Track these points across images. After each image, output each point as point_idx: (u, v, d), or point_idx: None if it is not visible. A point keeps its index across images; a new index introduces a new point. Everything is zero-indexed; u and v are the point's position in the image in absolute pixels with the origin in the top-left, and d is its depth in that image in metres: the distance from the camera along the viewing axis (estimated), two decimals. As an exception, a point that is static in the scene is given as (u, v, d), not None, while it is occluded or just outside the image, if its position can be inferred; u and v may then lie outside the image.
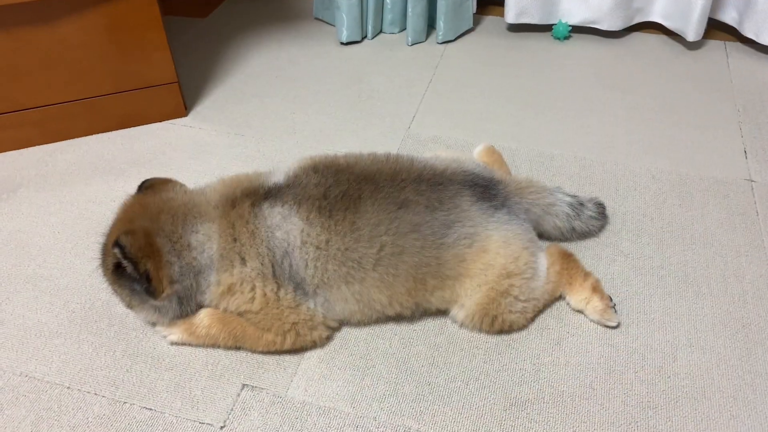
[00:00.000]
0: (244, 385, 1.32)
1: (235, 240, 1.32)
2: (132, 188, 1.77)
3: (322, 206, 1.32)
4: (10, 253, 1.62)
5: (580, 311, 1.43)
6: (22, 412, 1.27)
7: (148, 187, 1.42)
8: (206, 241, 1.32)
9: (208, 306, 1.37)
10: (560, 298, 1.46)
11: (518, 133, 2.00)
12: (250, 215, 1.32)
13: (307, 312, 1.34)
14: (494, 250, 1.35)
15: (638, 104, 2.13)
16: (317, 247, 1.31)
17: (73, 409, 1.28)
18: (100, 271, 1.38)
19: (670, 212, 1.70)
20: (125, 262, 1.27)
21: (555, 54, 2.43)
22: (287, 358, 1.37)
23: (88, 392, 1.31)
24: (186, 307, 1.35)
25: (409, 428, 1.24)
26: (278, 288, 1.32)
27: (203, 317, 1.36)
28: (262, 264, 1.31)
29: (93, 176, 1.86)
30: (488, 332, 1.39)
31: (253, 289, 1.32)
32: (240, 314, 1.35)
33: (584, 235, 1.60)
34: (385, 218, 1.33)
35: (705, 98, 2.16)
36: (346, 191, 1.35)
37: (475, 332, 1.40)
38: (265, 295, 1.32)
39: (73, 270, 1.58)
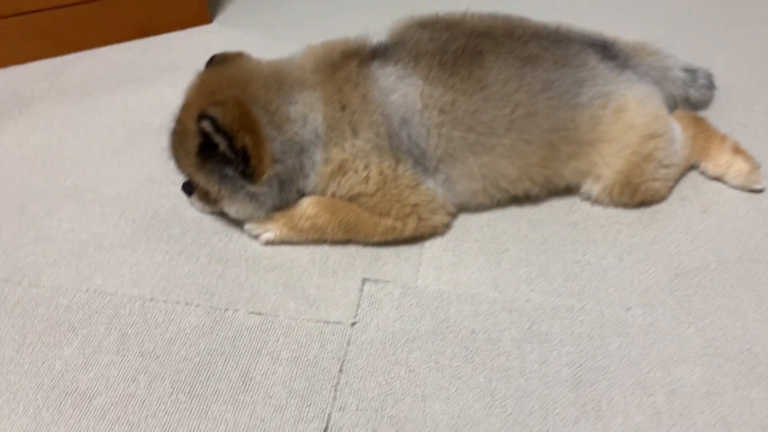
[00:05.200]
0: (364, 280, 1.12)
1: (343, 108, 1.11)
2: (169, 95, 1.55)
3: (444, 62, 1.12)
4: (38, 167, 1.36)
5: (718, 178, 1.28)
6: (101, 329, 1.04)
7: (221, 60, 1.19)
8: (308, 111, 1.10)
9: (311, 193, 1.16)
10: (692, 168, 1.32)
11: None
12: (358, 77, 1.11)
13: (427, 192, 1.15)
14: (633, 110, 1.18)
15: None
16: (441, 111, 1.12)
17: (164, 322, 1.06)
18: (172, 163, 1.15)
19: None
20: (218, 138, 1.04)
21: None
22: (405, 249, 1.18)
23: (177, 302, 1.09)
24: (287, 193, 1.13)
25: (572, 307, 1.07)
26: (396, 163, 1.12)
27: (307, 206, 1.14)
28: (377, 135, 1.10)
29: (118, 86, 1.60)
30: (627, 205, 1.23)
31: (367, 166, 1.11)
32: (351, 199, 1.14)
33: (697, 105, 1.45)
34: (514, 74, 1.14)
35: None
36: (466, 45, 1.15)
37: (611, 207, 1.24)
38: (381, 172, 1.11)
39: (121, 180, 1.33)
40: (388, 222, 1.14)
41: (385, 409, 0.93)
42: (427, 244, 1.19)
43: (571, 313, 1.06)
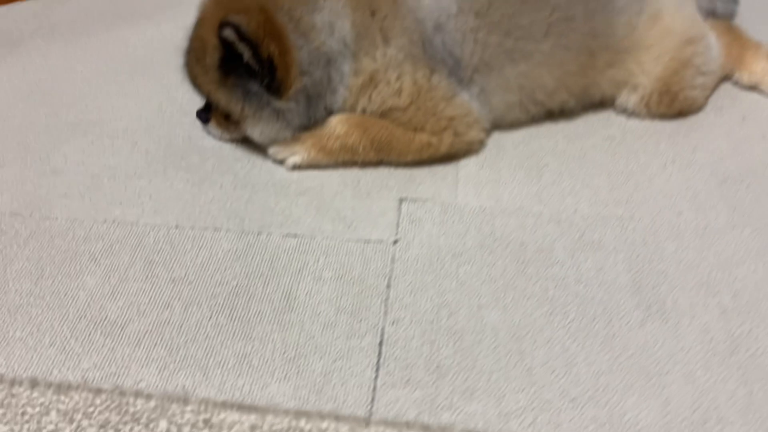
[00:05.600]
0: (401, 200, 1.06)
1: (372, 14, 1.04)
2: (170, 31, 1.46)
3: (477, -38, 1.06)
4: (37, 104, 1.26)
5: (754, 86, 1.24)
6: (125, 258, 0.97)
7: (235, -28, 1.11)
8: (335, 19, 1.03)
9: (339, 111, 1.09)
10: (725, 79, 1.28)
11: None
12: (388, -19, 1.05)
13: (463, 105, 1.09)
14: (669, 15, 1.13)
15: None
16: (477, 14, 1.05)
17: (193, 248, 0.99)
18: (185, 90, 1.08)
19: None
20: (241, 47, 0.97)
21: None
22: (440, 169, 1.11)
23: (205, 228, 1.02)
24: (314, 110, 1.06)
25: (621, 216, 1.02)
26: (431, 73, 1.05)
27: (336, 125, 1.07)
28: (410, 42, 1.04)
29: (113, 22, 1.50)
30: (665, 115, 1.18)
31: (400, 76, 1.04)
32: (383, 115, 1.07)
33: (722, 18, 1.41)
34: (551, -24, 1.09)
35: None
36: (500, -55, 1.09)
37: (647, 119, 1.19)
38: (415, 83, 1.05)
39: (129, 112, 1.25)
40: (423, 138, 1.07)
41: (441, 320, 0.88)
42: (462, 162, 1.13)
43: (621, 221, 1.01)
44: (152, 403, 0.78)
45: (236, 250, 0.98)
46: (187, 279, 0.94)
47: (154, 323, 0.88)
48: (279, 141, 1.09)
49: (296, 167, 1.10)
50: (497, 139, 1.17)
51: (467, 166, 1.12)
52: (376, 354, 0.84)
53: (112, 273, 0.94)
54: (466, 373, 0.81)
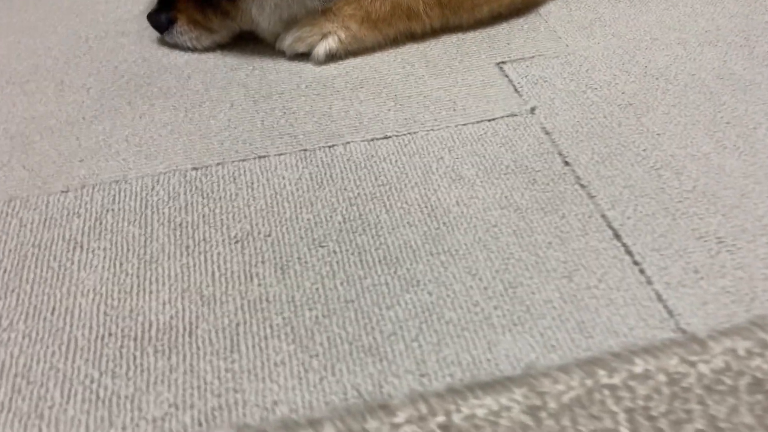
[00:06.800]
0: (500, 64, 0.75)
1: None
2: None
3: None
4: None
5: None
6: (134, 232, 0.57)
7: None
8: None
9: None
10: None
11: None
12: None
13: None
14: None
15: None
16: None
17: (240, 189, 0.60)
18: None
19: None
20: None
21: None
22: (521, 23, 0.80)
23: (244, 159, 0.62)
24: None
25: None
26: None
27: (380, -17, 0.74)
28: None
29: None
30: None
31: None
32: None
33: None
34: None
35: None
36: None
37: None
38: None
39: (30, 48, 0.82)
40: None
41: (668, 184, 0.58)
42: (542, 11, 0.84)
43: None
44: None
45: (311, 175, 0.62)
46: (258, 233, 0.57)
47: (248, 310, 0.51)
48: (294, 23, 0.74)
49: (331, 56, 0.76)
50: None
51: (551, 13, 0.82)
52: (623, 250, 0.54)
53: (125, 263, 0.56)
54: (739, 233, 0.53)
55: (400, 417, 0.41)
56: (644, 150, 0.62)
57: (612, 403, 0.41)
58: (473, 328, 0.48)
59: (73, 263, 0.54)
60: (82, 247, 0.56)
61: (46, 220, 0.59)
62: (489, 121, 0.67)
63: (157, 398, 0.44)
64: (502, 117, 0.67)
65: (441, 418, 0.41)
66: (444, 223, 0.56)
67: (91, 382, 0.46)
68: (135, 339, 0.48)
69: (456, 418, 0.41)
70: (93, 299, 0.52)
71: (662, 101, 0.68)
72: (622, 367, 0.43)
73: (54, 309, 0.51)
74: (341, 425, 0.41)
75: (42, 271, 0.54)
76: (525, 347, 0.46)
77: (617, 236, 0.54)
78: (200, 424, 0.43)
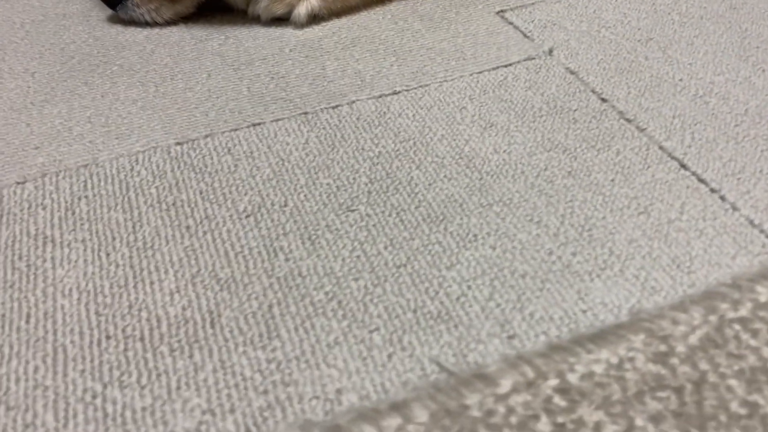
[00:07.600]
0: (500, 12, 0.69)
1: None
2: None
3: None
4: None
5: None
6: (116, 218, 0.47)
7: None
8: None
9: None
10: None
11: None
12: None
13: None
14: None
15: None
16: None
17: (238, 159, 0.50)
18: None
19: None
20: None
21: None
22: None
23: (236, 128, 0.53)
24: None
25: None
26: None
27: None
28: None
29: None
30: None
31: None
32: None
33: None
34: None
35: None
36: None
37: None
38: None
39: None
40: None
41: (713, 108, 0.54)
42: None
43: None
44: None
45: (318, 138, 0.53)
46: (272, 204, 0.48)
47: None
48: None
49: (313, 17, 0.67)
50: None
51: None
52: (696, 179, 0.47)
53: (113, 253, 0.45)
54: None
55: (505, 386, 0.33)
56: (680, 80, 0.57)
57: (749, 337, 0.35)
58: (555, 279, 0.41)
59: (45, 261, 0.44)
60: (53, 241, 0.45)
61: (2, 216, 0.48)
62: (506, 66, 0.60)
63: (185, 406, 0.35)
64: (519, 61, 0.61)
65: (554, 381, 0.33)
66: (487, 173, 0.49)
67: (94, 397, 0.36)
68: (142, 339, 0.39)
69: (572, 378, 0.33)
70: (78, 299, 0.42)
71: (682, 34, 0.64)
72: (746, 297, 0.37)
73: (29, 316, 0.41)
74: (434, 405, 0.32)
75: (6, 273, 0.44)
76: (621, 292, 0.39)
77: (683, 166, 0.48)
78: (248, 430, 0.34)
